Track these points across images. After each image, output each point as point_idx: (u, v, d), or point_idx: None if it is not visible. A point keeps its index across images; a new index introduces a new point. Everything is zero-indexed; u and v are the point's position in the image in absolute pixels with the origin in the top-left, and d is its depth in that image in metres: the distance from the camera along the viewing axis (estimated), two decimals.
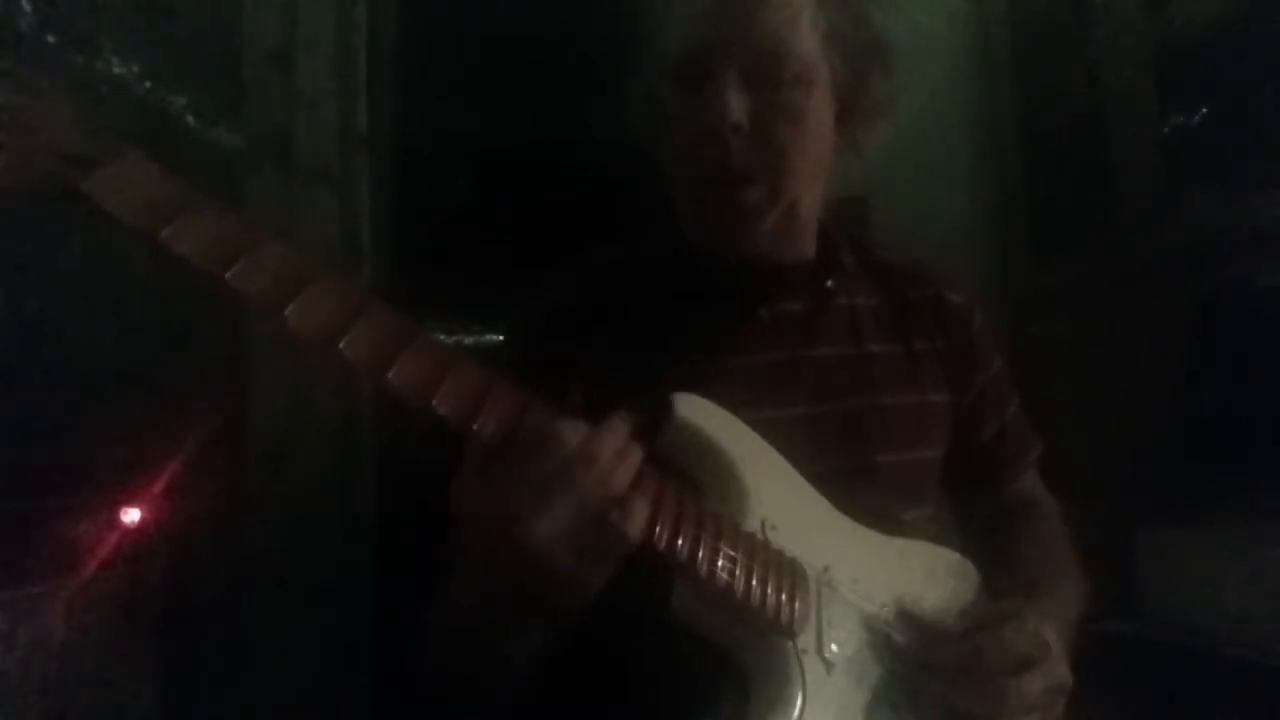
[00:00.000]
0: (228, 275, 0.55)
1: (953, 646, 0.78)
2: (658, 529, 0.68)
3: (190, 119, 1.60)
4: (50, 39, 1.36)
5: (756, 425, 0.83)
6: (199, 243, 0.55)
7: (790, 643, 0.75)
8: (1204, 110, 1.60)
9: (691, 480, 0.79)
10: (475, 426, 0.61)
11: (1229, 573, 1.29)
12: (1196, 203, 1.58)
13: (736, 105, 0.83)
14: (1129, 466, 1.51)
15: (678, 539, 0.69)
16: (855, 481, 0.89)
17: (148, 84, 1.51)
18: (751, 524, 0.78)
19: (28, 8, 1.28)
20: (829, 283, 0.97)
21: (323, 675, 1.65)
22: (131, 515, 1.43)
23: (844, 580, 0.82)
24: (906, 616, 0.85)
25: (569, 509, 0.62)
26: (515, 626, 0.72)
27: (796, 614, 0.75)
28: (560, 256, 1.03)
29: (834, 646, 0.77)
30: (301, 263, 0.59)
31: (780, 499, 0.82)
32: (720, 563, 0.71)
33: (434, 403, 0.59)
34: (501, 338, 1.03)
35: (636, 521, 0.65)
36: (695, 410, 0.81)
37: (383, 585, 1.67)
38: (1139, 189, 1.70)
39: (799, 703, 0.73)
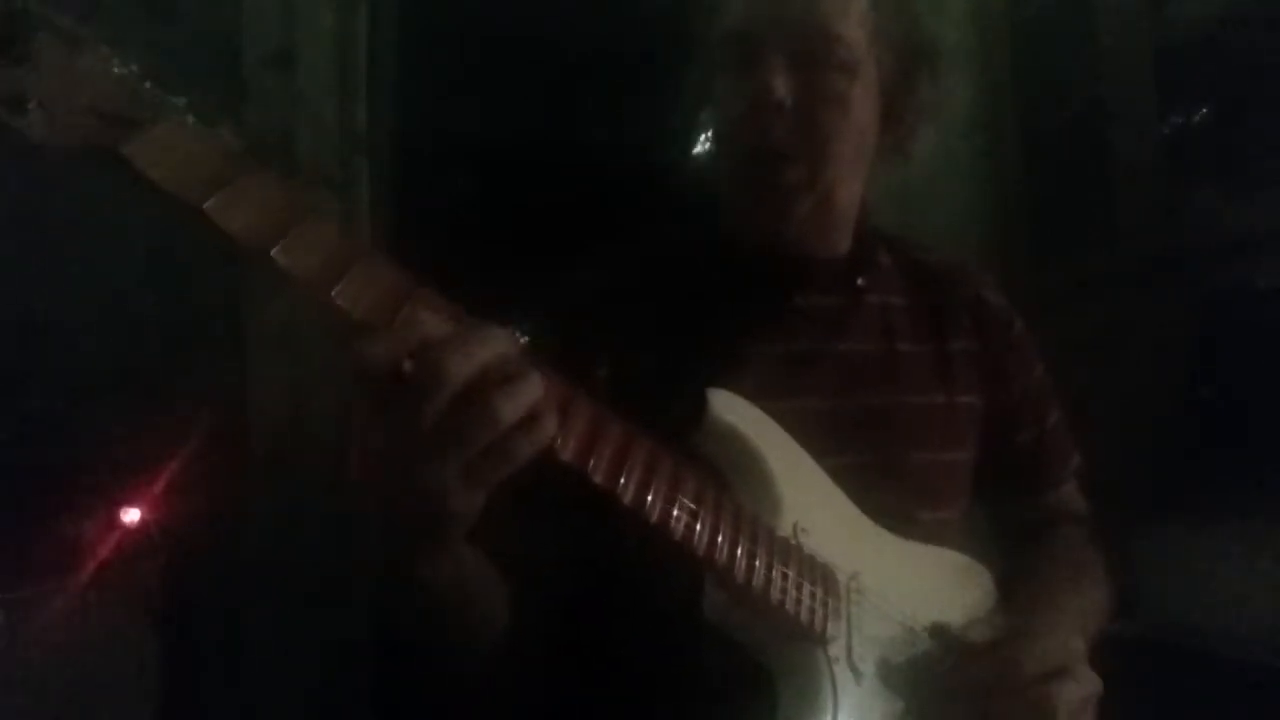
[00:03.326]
0: (273, 253, 0.52)
1: (988, 661, 0.77)
2: (698, 528, 0.67)
3: (190, 119, 1.60)
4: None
5: (779, 417, 0.83)
6: (243, 216, 0.51)
7: (821, 650, 0.74)
8: (1204, 110, 1.59)
9: (723, 478, 0.78)
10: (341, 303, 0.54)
11: (1229, 573, 1.29)
12: (1196, 203, 1.58)
13: (780, 84, 0.84)
14: (1129, 466, 1.51)
15: (718, 539, 0.68)
16: (873, 479, 0.88)
17: (148, 84, 1.51)
18: (784, 527, 0.77)
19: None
20: (859, 280, 0.97)
21: (322, 675, 1.65)
22: (131, 515, 1.43)
23: (873, 587, 0.81)
24: (935, 627, 0.84)
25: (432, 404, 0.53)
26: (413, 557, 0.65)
27: (829, 621, 0.74)
28: (559, 256, 1.03)
29: (864, 655, 0.76)
30: (351, 242, 0.55)
31: (811, 502, 0.81)
32: (756, 566, 0.70)
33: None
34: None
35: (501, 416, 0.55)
36: (731, 408, 0.80)
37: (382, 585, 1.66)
38: (1139, 189, 1.70)
39: (830, 711, 0.72)
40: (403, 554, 0.64)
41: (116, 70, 0.52)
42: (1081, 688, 0.76)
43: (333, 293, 0.53)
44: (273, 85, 1.71)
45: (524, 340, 0.61)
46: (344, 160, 1.76)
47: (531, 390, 0.56)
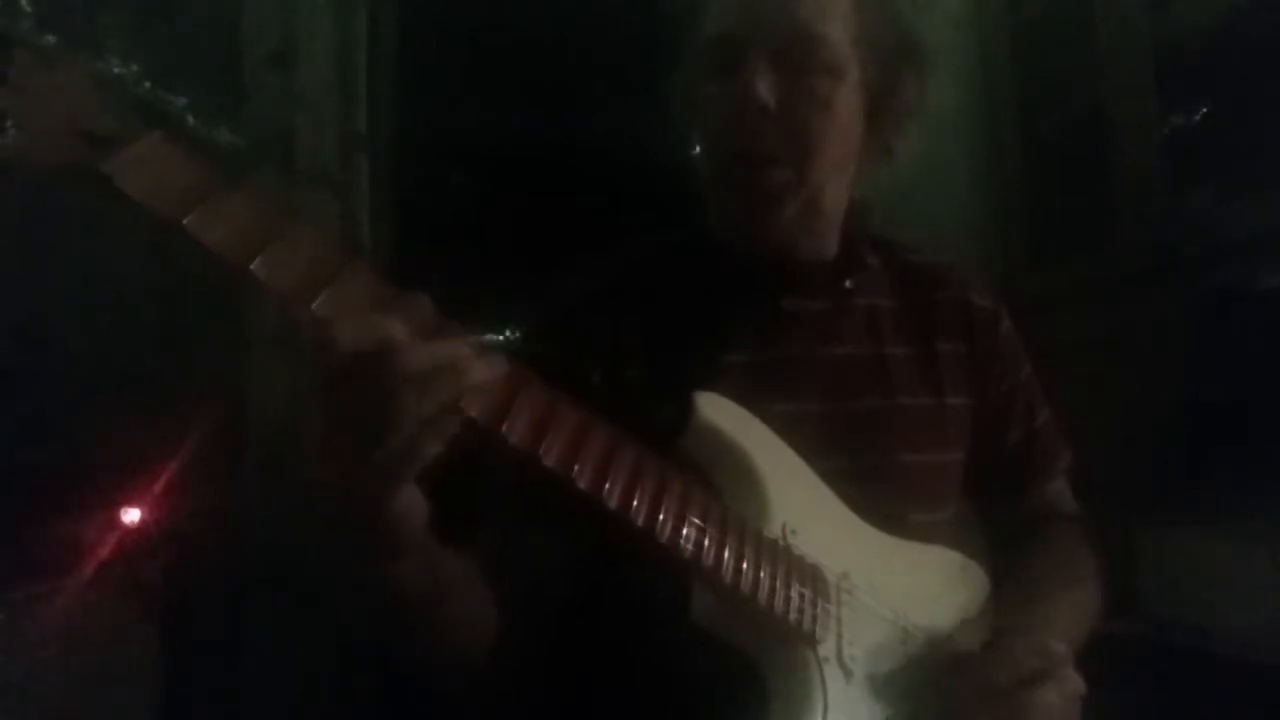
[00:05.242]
0: (253, 267, 0.52)
1: (967, 668, 0.77)
2: (684, 532, 0.67)
3: (190, 119, 1.60)
4: (50, 39, 1.36)
5: (768, 420, 0.83)
6: (224, 231, 0.51)
7: (811, 650, 0.74)
8: (1204, 110, 1.59)
9: (711, 481, 0.78)
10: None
11: (1230, 572, 1.29)
12: (1196, 203, 1.58)
13: (764, 87, 0.84)
14: (1130, 466, 1.51)
15: (705, 541, 0.68)
16: (865, 482, 0.88)
17: (148, 84, 1.51)
18: (773, 529, 0.77)
19: (28, 8, 1.28)
20: (848, 282, 0.97)
21: (322, 674, 1.65)
22: (131, 515, 1.43)
23: (862, 586, 0.81)
24: (926, 628, 0.84)
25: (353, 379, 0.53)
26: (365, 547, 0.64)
27: (819, 622, 0.75)
28: (558, 256, 1.03)
29: (854, 654, 0.77)
30: (331, 254, 0.56)
31: (800, 503, 0.81)
32: (745, 568, 0.70)
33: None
34: (502, 336, 1.02)
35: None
36: (718, 411, 0.80)
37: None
38: (1139, 189, 1.70)
39: (820, 712, 0.72)
40: (352, 552, 0.64)
41: (97, 86, 0.53)
42: (1061, 691, 0.76)
43: (313, 306, 0.53)
44: (273, 85, 1.71)
45: (505, 340, 0.61)
46: (344, 160, 1.76)
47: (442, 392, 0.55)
